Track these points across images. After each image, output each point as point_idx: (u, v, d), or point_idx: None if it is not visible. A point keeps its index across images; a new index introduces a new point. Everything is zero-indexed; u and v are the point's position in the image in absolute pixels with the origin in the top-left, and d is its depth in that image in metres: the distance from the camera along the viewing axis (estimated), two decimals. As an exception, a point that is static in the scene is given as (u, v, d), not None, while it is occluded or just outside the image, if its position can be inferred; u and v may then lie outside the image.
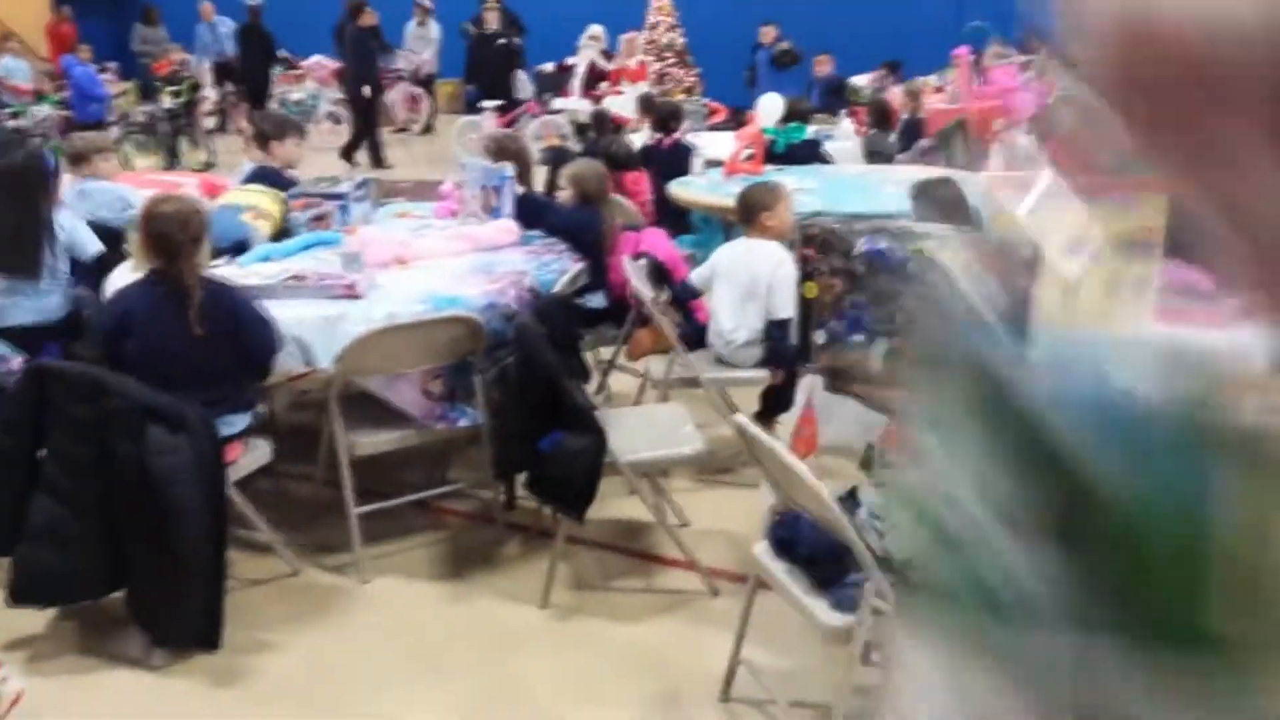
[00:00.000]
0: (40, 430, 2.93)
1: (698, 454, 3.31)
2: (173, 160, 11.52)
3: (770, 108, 6.02)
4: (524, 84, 12.20)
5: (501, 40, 12.38)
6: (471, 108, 12.46)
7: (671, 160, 5.90)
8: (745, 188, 4.10)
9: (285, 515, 3.57)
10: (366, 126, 11.71)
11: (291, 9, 14.24)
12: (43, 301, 3.79)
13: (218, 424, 2.97)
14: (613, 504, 3.49)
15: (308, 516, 3.68)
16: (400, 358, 3.35)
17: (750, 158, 5.55)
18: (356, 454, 3.36)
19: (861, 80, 10.47)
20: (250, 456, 3.25)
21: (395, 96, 14.68)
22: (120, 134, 11.38)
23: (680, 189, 5.50)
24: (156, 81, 13.10)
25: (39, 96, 11.50)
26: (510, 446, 3.30)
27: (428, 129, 14.65)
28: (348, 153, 11.59)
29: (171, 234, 2.96)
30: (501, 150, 4.60)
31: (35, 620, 3.10)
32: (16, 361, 3.27)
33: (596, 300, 4.27)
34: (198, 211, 3.02)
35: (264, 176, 4.46)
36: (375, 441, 3.41)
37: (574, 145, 8.07)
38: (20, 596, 2.93)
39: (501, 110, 11.74)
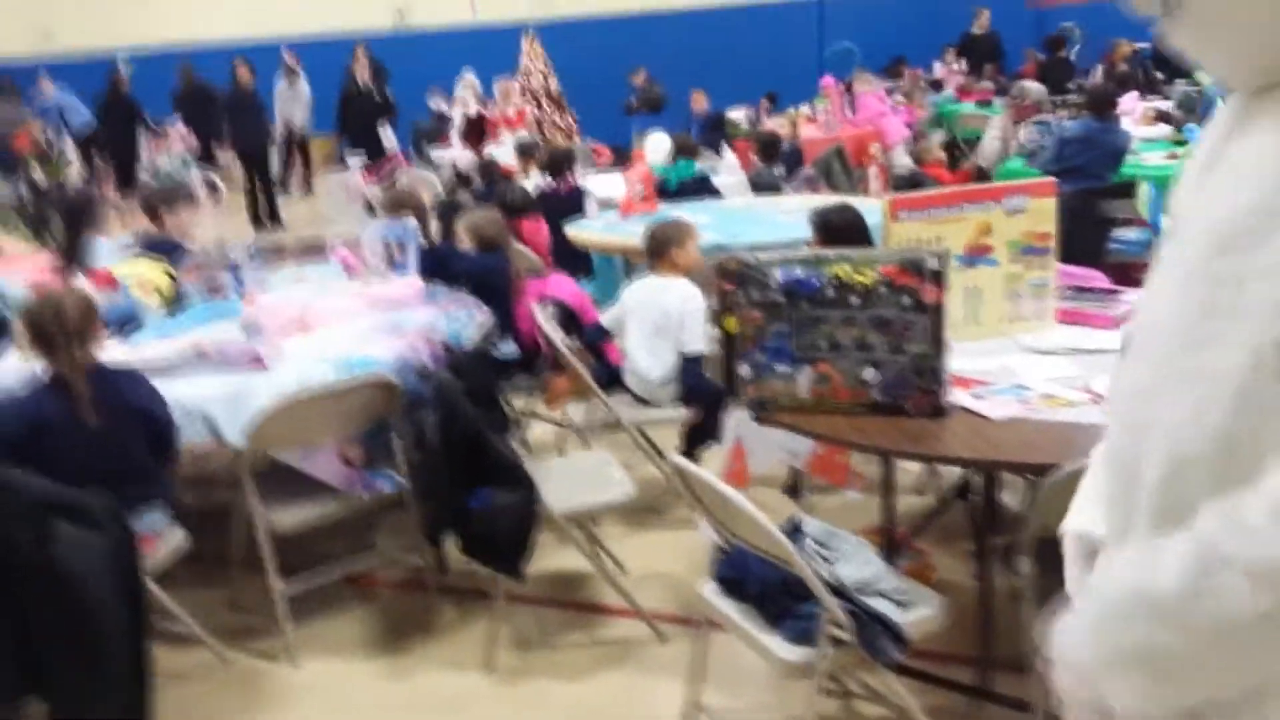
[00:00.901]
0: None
1: (629, 497, 3.28)
2: (47, 240, 11.03)
3: (657, 146, 6.09)
4: (390, 136, 12.10)
5: (369, 93, 12.27)
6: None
7: (566, 204, 5.90)
8: (652, 226, 4.12)
9: (206, 602, 3.42)
10: (263, 186, 11.63)
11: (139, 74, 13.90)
12: None
13: (131, 520, 2.81)
14: (547, 557, 3.43)
15: (230, 602, 3.52)
16: (315, 427, 3.24)
17: (644, 196, 5.59)
18: (278, 531, 3.23)
19: (738, 114, 10.68)
20: (167, 548, 3.09)
21: (272, 154, 14.43)
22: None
23: (578, 231, 5.50)
24: (23, 158, 12.56)
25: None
26: (437, 508, 3.21)
27: (308, 188, 14.42)
28: (254, 214, 11.49)
29: (48, 327, 2.82)
30: (400, 203, 4.54)
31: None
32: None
33: (508, 349, 4.22)
34: (77, 302, 2.87)
35: (158, 247, 4.30)
36: (296, 516, 3.28)
37: (462, 196, 8.01)
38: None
39: (370, 167, 11.62)
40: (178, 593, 3.18)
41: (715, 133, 10.07)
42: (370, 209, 11.63)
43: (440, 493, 3.14)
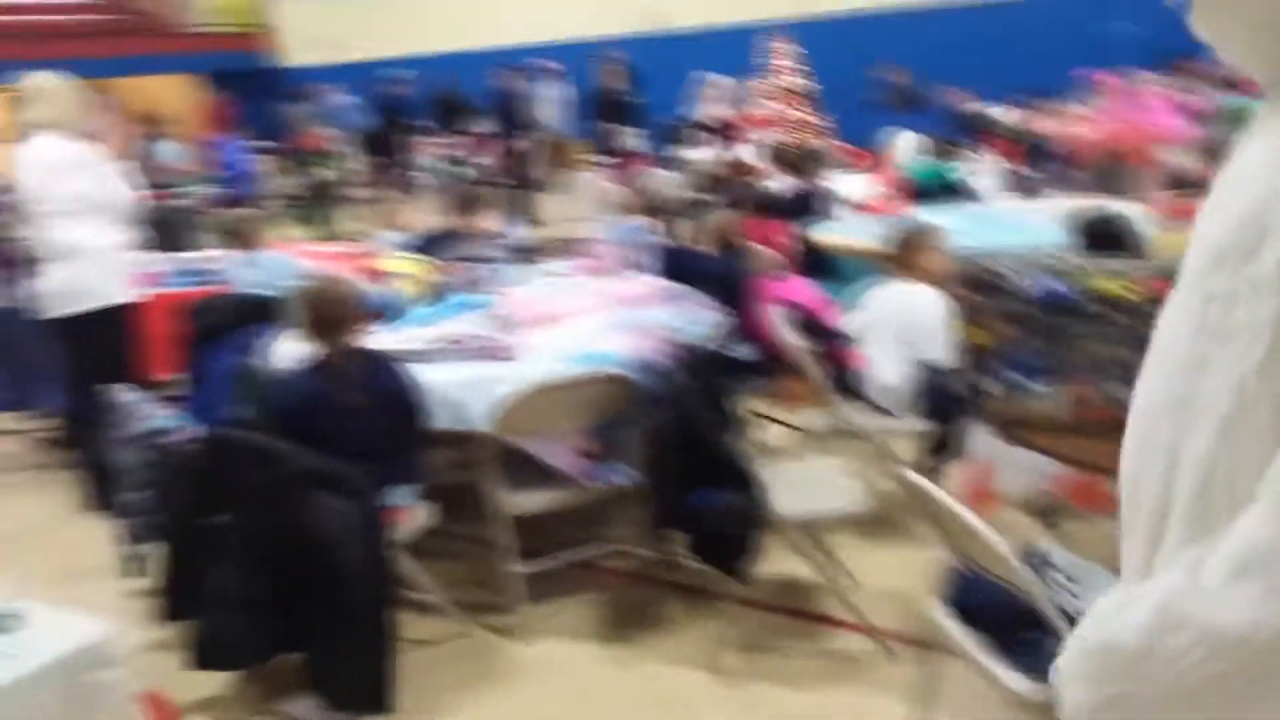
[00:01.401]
0: (215, 498, 3.02)
1: (861, 508, 3.20)
2: (327, 230, 12.04)
3: (907, 145, 5.90)
4: (634, 137, 12.33)
5: (619, 97, 12.58)
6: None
7: (810, 205, 5.83)
8: (895, 230, 4.00)
9: (452, 576, 3.60)
10: (521, 186, 12.18)
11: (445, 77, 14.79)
12: None
13: (386, 495, 3.01)
14: (775, 562, 3.40)
15: (473, 577, 3.69)
16: (554, 417, 3.35)
17: (893, 198, 5.43)
18: (515, 514, 3.37)
19: (998, 111, 10.19)
20: (414, 520, 3.28)
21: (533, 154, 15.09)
22: (275, 208, 11.98)
23: (822, 234, 5.42)
24: (308, 156, 13.76)
25: (196, 176, 12.13)
26: (667, 505, 3.25)
27: (559, 188, 14.98)
28: (510, 210, 12.06)
29: (321, 313, 3.04)
30: (641, 205, 4.63)
31: (215, 681, 3.18)
32: (193, 430, 3.39)
33: (744, 351, 4.21)
34: (350, 289, 3.10)
35: (427, 243, 4.59)
36: (533, 501, 3.41)
37: (706, 197, 8.08)
38: (203, 662, 3.01)
39: (615, 166, 11.91)
40: (426, 564, 3.37)
41: (973, 132, 9.67)
42: (615, 209, 11.99)
43: (669, 490, 3.18)
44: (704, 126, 13.39)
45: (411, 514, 3.27)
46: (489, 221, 5.10)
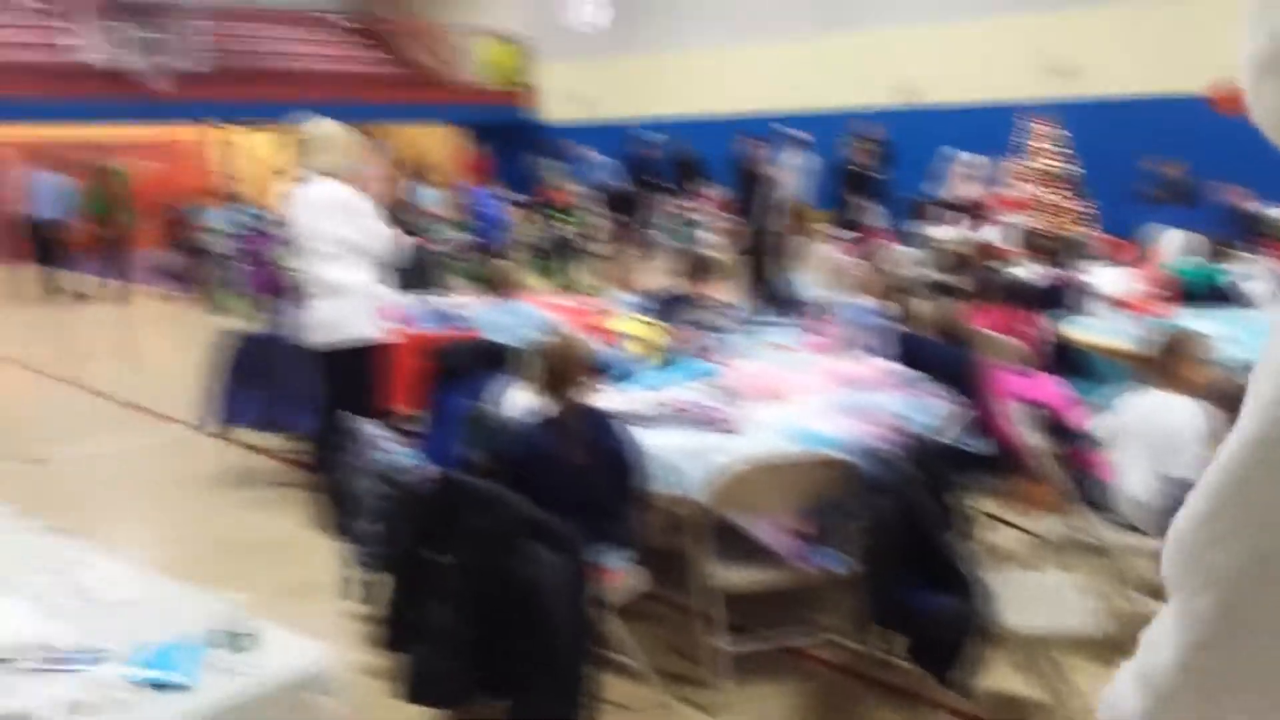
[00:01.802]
0: (441, 536, 3.14)
1: (1097, 630, 2.96)
2: (566, 282, 12.50)
3: (1175, 243, 5.52)
4: (875, 212, 12.13)
5: (864, 170, 12.44)
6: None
7: (1063, 297, 5.54)
8: (1156, 332, 3.73)
9: (655, 642, 3.59)
10: (757, 253, 12.22)
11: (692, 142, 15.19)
12: None
13: (598, 553, 3.03)
14: (997, 676, 3.19)
15: (674, 645, 3.66)
16: (771, 495, 3.30)
17: (1155, 298, 5.09)
18: (725, 588, 3.32)
19: (1278, 212, 9.44)
20: (628, 583, 3.29)
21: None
22: (519, 258, 12.54)
23: (1074, 329, 5.13)
24: (553, 211, 14.37)
25: (451, 222, 12.88)
26: (883, 600, 3.11)
27: (796, 258, 14.96)
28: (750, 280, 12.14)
29: (555, 370, 3.12)
30: (876, 283, 4.53)
31: (421, 715, 3.27)
32: (427, 469, 3.54)
33: (977, 446, 4.02)
34: (585, 348, 3.17)
35: (662, 305, 4.66)
36: (743, 577, 3.36)
37: (948, 278, 7.84)
38: (412, 695, 3.11)
39: (853, 240, 11.75)
40: (631, 626, 3.36)
41: (1249, 233, 8.98)
42: (850, 284, 11.82)
43: (886, 585, 3.04)
44: (951, 205, 13.06)
45: (622, 576, 3.28)
46: (720, 289, 5.12)
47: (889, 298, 4.30)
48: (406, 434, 4.38)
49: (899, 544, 2.96)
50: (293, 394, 5.32)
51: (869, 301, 4.19)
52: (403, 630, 3.17)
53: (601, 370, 3.56)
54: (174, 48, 16.57)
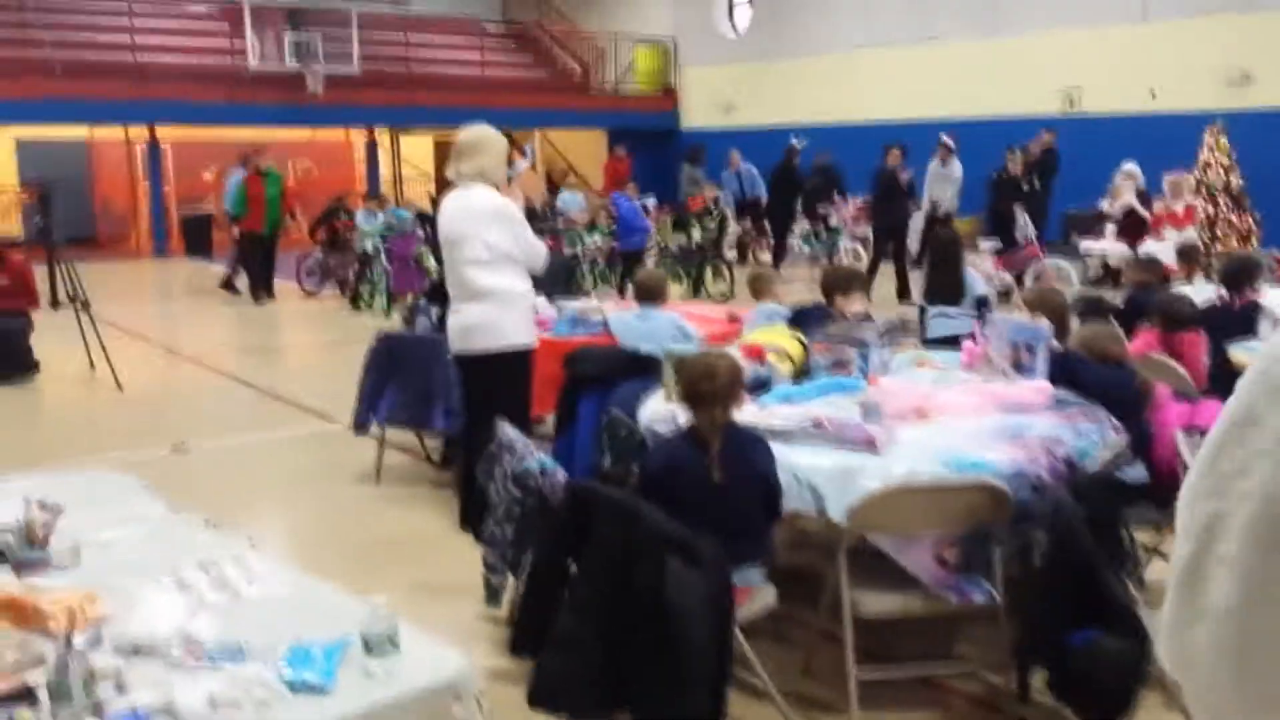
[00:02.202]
0: (574, 547, 3.12)
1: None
2: (698, 288, 12.45)
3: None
4: (1023, 226, 11.66)
5: (1023, 184, 11.98)
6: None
7: (1237, 320, 5.19)
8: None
9: (785, 664, 3.50)
10: (898, 262, 12.02)
11: (833, 149, 14.98)
12: None
13: (732, 571, 2.97)
14: (1148, 717, 3.00)
15: (806, 668, 3.57)
16: (916, 519, 3.17)
17: (1336, 323, 4.73)
18: (860, 613, 3.21)
19: None
20: (758, 601, 3.22)
21: (912, 231, 14.83)
22: (656, 262, 12.55)
23: (1246, 355, 4.81)
24: (690, 216, 14.34)
25: (591, 227, 12.97)
26: (1034, 634, 2.96)
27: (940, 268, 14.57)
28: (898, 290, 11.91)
29: (699, 385, 3.06)
30: (1040, 304, 4.32)
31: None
32: (561, 476, 3.54)
33: (1135, 474, 3.79)
34: (729, 368, 3.10)
35: (802, 316, 4.57)
36: (882, 603, 3.24)
37: (1107, 296, 7.49)
38: (537, 700, 3.10)
39: (1001, 251, 11.35)
40: (757, 645, 3.29)
41: None
42: (1003, 297, 11.43)
43: (1037, 619, 2.89)
44: (1113, 218, 12.50)
45: (755, 594, 3.21)
46: (859, 302, 4.98)
47: (1058, 318, 4.09)
48: (539, 438, 4.41)
49: (1054, 577, 2.81)
50: (434, 393, 5.42)
51: (1034, 321, 3.99)
52: (535, 637, 3.17)
53: (748, 387, 3.49)
54: (328, 52, 17.21)
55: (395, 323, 10.66)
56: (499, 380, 4.70)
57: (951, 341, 5.51)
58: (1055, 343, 4.01)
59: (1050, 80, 15.54)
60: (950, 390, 3.91)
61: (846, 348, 4.22)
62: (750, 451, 3.09)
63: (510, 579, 3.79)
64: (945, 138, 14.31)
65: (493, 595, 3.82)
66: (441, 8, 21.98)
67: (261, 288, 12.80)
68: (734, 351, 3.63)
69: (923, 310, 6.55)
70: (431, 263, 10.48)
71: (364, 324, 9.97)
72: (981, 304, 6.33)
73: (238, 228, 12.82)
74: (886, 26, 17.52)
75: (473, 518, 4.86)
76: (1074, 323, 5.35)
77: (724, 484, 3.02)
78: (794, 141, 14.28)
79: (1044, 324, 3.98)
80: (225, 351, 9.87)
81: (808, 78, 18.62)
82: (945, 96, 16.44)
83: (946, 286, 6.38)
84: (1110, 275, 12.43)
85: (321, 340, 10.92)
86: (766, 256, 14.92)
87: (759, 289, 5.71)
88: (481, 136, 4.73)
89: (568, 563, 3.14)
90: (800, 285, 12.37)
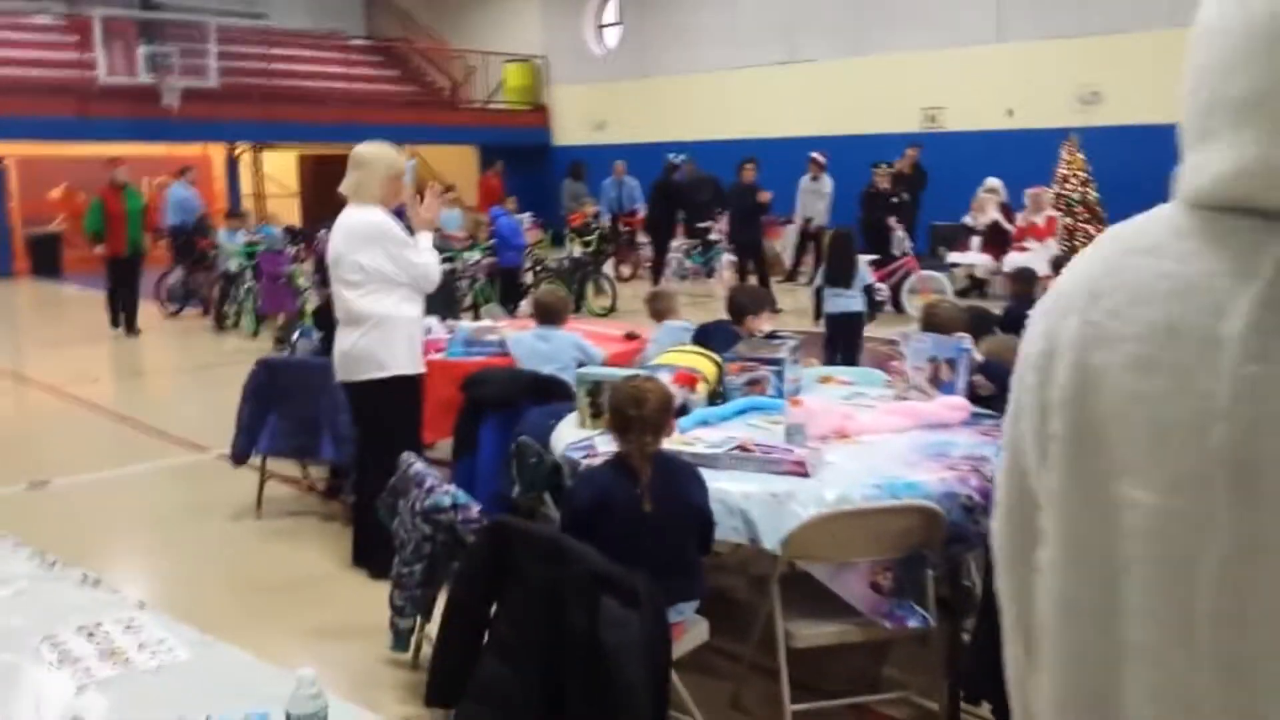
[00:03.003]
0: (494, 586, 2.92)
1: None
2: (579, 304, 12.27)
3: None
4: (900, 239, 11.91)
5: (893, 197, 12.22)
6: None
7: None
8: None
9: (709, 693, 3.36)
10: (756, 276, 12.06)
11: (702, 165, 15.03)
12: None
13: (668, 610, 2.81)
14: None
15: (733, 699, 3.43)
16: (851, 545, 3.08)
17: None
18: (794, 644, 3.10)
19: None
20: (691, 636, 3.07)
21: (783, 245, 15.00)
22: (534, 278, 12.34)
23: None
24: (569, 232, 14.18)
25: (470, 244, 12.66)
26: (979, 665, 2.88)
27: (813, 280, 14.79)
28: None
29: (626, 411, 2.90)
30: (935, 319, 4.30)
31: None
32: (475, 510, 3.34)
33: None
34: (659, 396, 2.95)
35: (708, 336, 4.46)
36: (815, 631, 3.14)
37: (978, 303, 7.65)
38: (464, 758, 2.88)
39: (878, 264, 11.56)
40: (684, 678, 3.14)
41: None
42: (877, 305, 11.61)
43: (983, 650, 2.81)
44: (978, 231, 12.89)
45: (689, 629, 3.06)
46: (767, 321, 4.91)
47: (965, 335, 4.08)
48: (434, 463, 4.17)
49: (992, 603, 2.73)
50: (321, 421, 5.11)
51: (955, 337, 3.97)
52: (453, 684, 2.94)
53: (678, 413, 3.35)
54: (187, 66, 16.45)
55: (265, 344, 10.20)
56: (386, 409, 4.46)
57: (846, 319, 7.39)
58: (976, 354, 3.99)
59: (912, 98, 15.99)
60: (870, 410, 3.85)
61: (760, 366, 4.13)
62: (683, 481, 2.94)
63: (419, 621, 3.56)
64: (816, 154, 14.55)
65: (400, 639, 3.57)
66: (301, 22, 21.30)
67: (119, 316, 11.53)
68: (663, 376, 3.47)
69: (820, 290, 7.68)
70: (303, 282, 10.05)
71: (231, 346, 9.49)
72: (868, 290, 7.83)
73: (98, 249, 11.44)
74: (753, 47, 17.77)
75: (367, 554, 4.60)
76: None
77: (655, 516, 2.86)
78: (671, 158, 14.27)
79: (967, 340, 3.96)
80: (81, 378, 9.21)
81: (678, 96, 18.74)
82: (812, 115, 16.75)
83: (842, 272, 7.49)
84: (976, 286, 12.81)
85: (186, 363, 10.33)
86: (631, 270, 14.86)
87: (661, 309, 5.59)
88: (361, 152, 4.48)
89: (488, 604, 2.93)
90: (685, 299, 12.36)
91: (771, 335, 4.91)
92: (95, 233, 11.23)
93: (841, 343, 7.26)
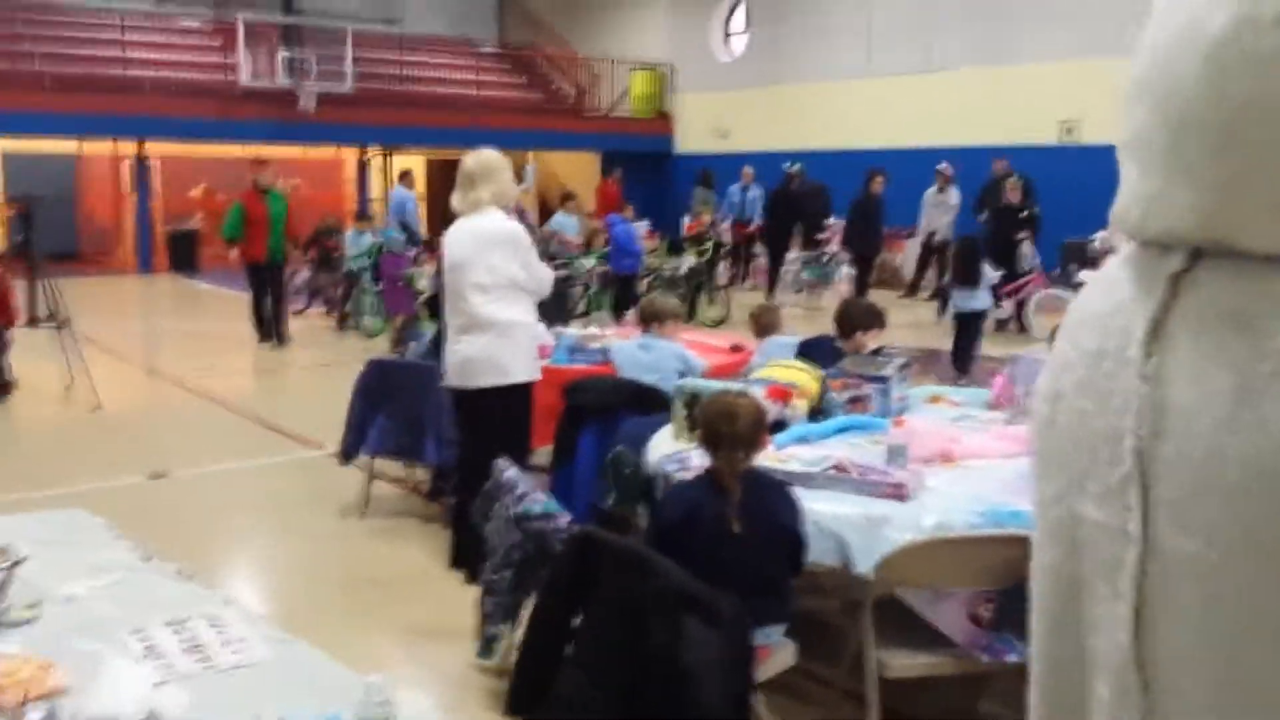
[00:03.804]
0: (578, 598, 2.89)
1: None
2: (691, 314, 12.22)
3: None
4: (1028, 255, 11.49)
5: (1021, 212, 11.82)
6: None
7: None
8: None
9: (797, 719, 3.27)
10: (866, 287, 11.84)
11: (826, 175, 14.86)
12: None
13: (753, 629, 2.74)
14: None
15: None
16: (949, 574, 2.95)
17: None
18: (886, 674, 2.99)
19: None
20: (777, 659, 2.99)
21: (906, 258, 14.68)
22: (647, 286, 12.35)
23: None
24: (685, 240, 14.15)
25: (586, 250, 12.75)
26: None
27: (936, 294, 14.43)
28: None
29: (718, 427, 2.84)
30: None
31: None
32: (564, 520, 3.32)
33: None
34: (751, 411, 2.87)
35: (813, 350, 4.36)
36: (909, 662, 3.02)
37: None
38: (538, 768, 2.86)
39: (1005, 281, 11.17)
40: (770, 700, 3.06)
41: None
42: (1001, 325, 11.24)
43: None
44: (1111, 249, 12.38)
45: (775, 653, 2.98)
46: (876, 339, 4.77)
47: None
48: (534, 470, 4.18)
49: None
50: (426, 423, 5.18)
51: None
52: (534, 695, 2.93)
53: (772, 430, 3.27)
54: (321, 70, 17.03)
55: (385, 344, 10.45)
56: (499, 415, 4.48)
57: (971, 318, 8.62)
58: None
59: (1049, 109, 15.45)
60: (978, 433, 3.70)
61: (864, 384, 4.01)
62: (774, 500, 2.86)
63: (508, 629, 3.56)
64: (943, 166, 14.20)
65: (487, 646, 3.58)
66: (436, 28, 21.84)
67: (269, 327, 10.79)
68: (756, 390, 3.40)
69: (945, 291, 8.85)
70: (423, 284, 10.26)
71: (351, 345, 9.76)
72: (993, 288, 8.90)
73: (238, 254, 10.70)
74: (885, 55, 17.44)
75: (465, 557, 4.63)
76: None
77: (744, 535, 2.78)
78: (786, 167, 14.10)
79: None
80: (209, 373, 9.59)
81: (803, 104, 18.51)
82: (942, 125, 16.33)
83: (969, 276, 8.31)
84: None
85: (308, 362, 10.66)
86: (763, 284, 14.71)
87: (765, 323, 5.50)
88: (492, 161, 4.53)
89: (571, 616, 2.90)
90: (798, 312, 12.20)
91: (878, 351, 4.78)
92: (232, 237, 10.53)
93: (965, 339, 8.42)
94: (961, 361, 8.52)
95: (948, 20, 16.58)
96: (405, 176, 14.52)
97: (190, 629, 2.20)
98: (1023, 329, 11.31)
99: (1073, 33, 15.13)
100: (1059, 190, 12.89)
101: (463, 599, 4.34)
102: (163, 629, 2.19)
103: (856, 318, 4.66)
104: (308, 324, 12.62)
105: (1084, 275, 12.50)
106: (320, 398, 8.75)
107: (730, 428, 2.78)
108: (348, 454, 5.42)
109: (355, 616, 4.26)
